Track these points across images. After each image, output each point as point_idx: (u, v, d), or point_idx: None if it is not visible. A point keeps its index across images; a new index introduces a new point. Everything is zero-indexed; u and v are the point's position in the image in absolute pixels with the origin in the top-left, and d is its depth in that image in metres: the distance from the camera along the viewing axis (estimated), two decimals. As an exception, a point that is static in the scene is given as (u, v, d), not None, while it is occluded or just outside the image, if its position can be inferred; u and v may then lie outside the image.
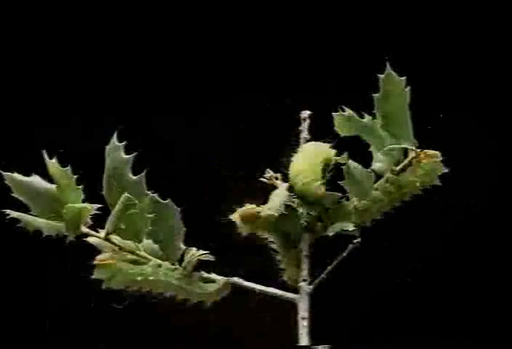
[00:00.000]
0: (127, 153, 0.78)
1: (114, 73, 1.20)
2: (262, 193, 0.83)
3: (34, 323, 1.18)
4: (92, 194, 0.80)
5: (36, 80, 1.20)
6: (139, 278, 0.78)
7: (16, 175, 0.78)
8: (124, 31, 1.20)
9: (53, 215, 0.78)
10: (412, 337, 1.10)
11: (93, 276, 0.78)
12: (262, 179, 0.85)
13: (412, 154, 0.81)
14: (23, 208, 0.78)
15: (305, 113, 0.87)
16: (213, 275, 0.83)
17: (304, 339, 0.77)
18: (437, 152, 0.81)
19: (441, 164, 0.81)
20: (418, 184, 0.81)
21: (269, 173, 0.85)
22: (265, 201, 0.82)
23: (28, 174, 0.78)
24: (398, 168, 0.82)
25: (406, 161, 0.82)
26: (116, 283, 0.79)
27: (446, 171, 0.81)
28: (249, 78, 1.19)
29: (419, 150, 0.81)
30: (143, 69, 1.20)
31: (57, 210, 0.77)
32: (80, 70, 1.20)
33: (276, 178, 0.85)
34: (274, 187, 0.84)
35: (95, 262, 0.78)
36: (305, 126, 0.86)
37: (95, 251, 0.79)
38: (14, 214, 0.77)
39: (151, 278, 0.79)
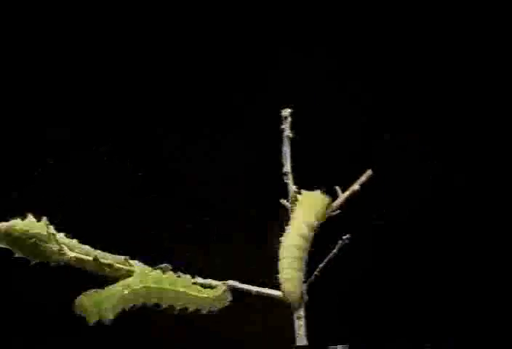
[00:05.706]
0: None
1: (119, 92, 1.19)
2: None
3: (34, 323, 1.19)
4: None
5: (34, 91, 1.21)
6: (125, 292, 0.72)
7: None
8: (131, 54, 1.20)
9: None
10: (412, 337, 1.10)
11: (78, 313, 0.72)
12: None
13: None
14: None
15: (286, 111, 0.87)
16: (209, 280, 0.83)
17: (301, 339, 0.77)
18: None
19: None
20: None
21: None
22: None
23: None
24: None
25: None
26: (108, 312, 0.72)
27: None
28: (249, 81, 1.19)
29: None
30: (145, 82, 1.20)
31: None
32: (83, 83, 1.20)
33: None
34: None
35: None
36: (286, 125, 0.86)
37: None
38: None
39: (138, 287, 0.73)
